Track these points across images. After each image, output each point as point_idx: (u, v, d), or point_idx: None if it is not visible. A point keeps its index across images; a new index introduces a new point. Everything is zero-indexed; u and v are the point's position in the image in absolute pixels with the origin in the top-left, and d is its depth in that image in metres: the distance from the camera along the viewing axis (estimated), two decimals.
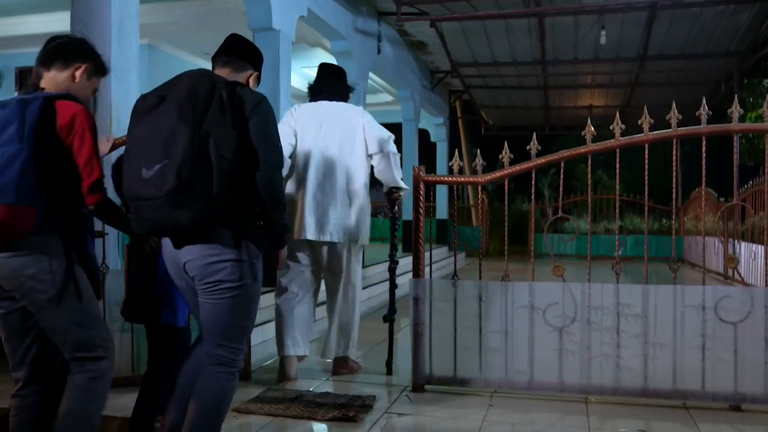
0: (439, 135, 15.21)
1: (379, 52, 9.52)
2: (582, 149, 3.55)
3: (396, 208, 4.09)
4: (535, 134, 3.60)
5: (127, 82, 4.20)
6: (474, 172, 3.69)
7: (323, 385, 3.85)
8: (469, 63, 11.66)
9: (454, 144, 16.95)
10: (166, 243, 2.30)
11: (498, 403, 3.51)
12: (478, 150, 3.72)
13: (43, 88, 2.26)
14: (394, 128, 11.08)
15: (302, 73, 10.95)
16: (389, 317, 4.12)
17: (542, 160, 3.64)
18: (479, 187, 14.96)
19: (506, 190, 3.75)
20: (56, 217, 2.15)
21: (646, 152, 3.58)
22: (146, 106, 2.21)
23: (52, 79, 2.30)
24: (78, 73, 2.33)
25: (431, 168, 14.25)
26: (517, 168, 3.66)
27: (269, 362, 4.40)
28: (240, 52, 2.56)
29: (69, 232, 2.20)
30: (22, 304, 2.21)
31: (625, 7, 8.46)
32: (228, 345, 2.29)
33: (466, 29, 9.91)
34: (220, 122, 2.15)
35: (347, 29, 8.37)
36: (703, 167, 3.50)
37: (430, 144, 15.46)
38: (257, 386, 3.77)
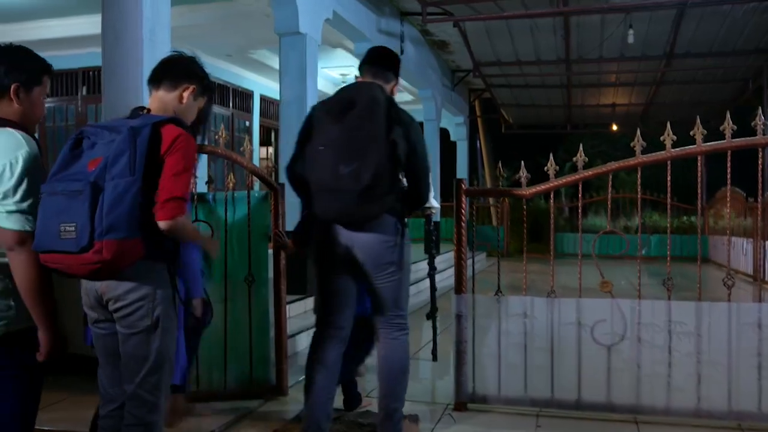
0: (459, 134, 15.06)
1: (402, 52, 9.39)
2: (632, 161, 3.42)
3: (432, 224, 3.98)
4: (581, 148, 3.47)
5: None
6: (495, 177, 3.62)
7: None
8: (491, 62, 11.51)
9: (473, 143, 16.87)
10: (339, 230, 2.73)
11: (545, 424, 3.40)
12: (523, 163, 3.60)
13: (149, 110, 2.25)
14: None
15: (323, 74, 10.87)
16: (432, 315, 4.02)
17: (590, 172, 3.52)
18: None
19: (551, 207, 3.64)
20: (162, 246, 2.12)
21: (669, 169, 3.44)
22: (335, 112, 2.70)
23: (160, 99, 2.29)
24: (186, 94, 2.30)
25: (451, 168, 14.14)
26: (563, 180, 3.55)
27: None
28: (389, 64, 2.95)
29: (173, 261, 2.19)
30: None
31: (654, 6, 8.27)
32: (402, 313, 2.88)
33: (490, 29, 9.76)
34: (398, 133, 2.68)
35: (371, 30, 8.26)
36: (728, 180, 3.35)
37: (450, 143, 15.32)
38: (295, 404, 3.68)
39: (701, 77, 12.13)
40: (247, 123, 11.95)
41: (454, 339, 3.63)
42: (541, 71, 11.94)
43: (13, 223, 2.05)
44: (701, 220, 15.10)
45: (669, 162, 3.38)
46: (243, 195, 3.81)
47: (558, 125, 17.30)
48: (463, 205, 3.58)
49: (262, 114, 12.34)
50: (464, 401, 3.62)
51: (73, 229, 1.93)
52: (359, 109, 2.66)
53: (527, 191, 3.56)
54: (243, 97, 11.73)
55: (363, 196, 2.57)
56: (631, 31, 8.92)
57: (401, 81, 11.30)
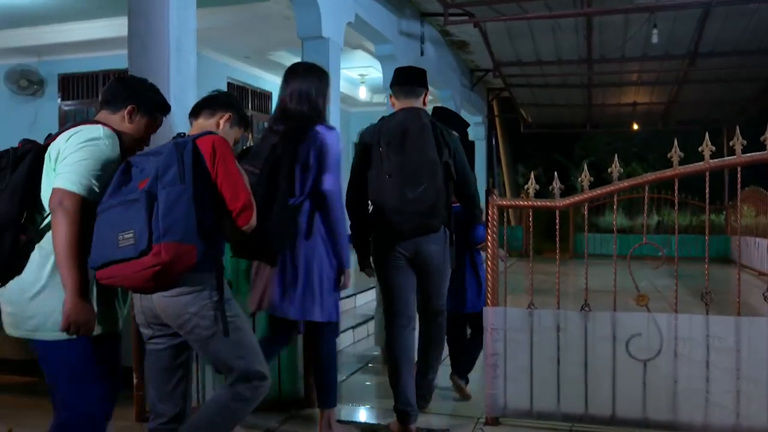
0: (477, 134, 14.94)
1: (422, 54, 9.33)
2: (668, 172, 3.34)
3: None
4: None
5: (186, 102, 4.07)
6: (516, 183, 3.59)
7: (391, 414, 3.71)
8: (511, 62, 11.40)
9: (491, 142, 16.74)
10: (406, 242, 3.32)
11: None
12: (555, 173, 3.53)
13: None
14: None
15: (342, 74, 10.81)
16: None
17: (625, 183, 3.44)
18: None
19: (586, 218, 3.56)
20: (210, 255, 2.25)
21: (676, 186, 3.36)
22: (395, 144, 3.21)
23: (199, 126, 2.59)
24: (222, 121, 2.60)
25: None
26: (597, 192, 3.48)
27: None
28: (418, 81, 3.36)
29: (221, 268, 2.34)
30: (178, 341, 2.39)
31: (679, 6, 8.14)
32: (443, 301, 3.56)
33: (511, 29, 9.66)
34: (447, 155, 3.28)
35: (392, 32, 8.20)
36: (738, 192, 3.26)
37: (468, 142, 15.19)
38: None
39: (725, 76, 11.95)
40: (266, 124, 11.91)
41: (485, 352, 3.57)
42: (562, 71, 11.82)
43: (62, 183, 2.13)
44: (723, 218, 14.89)
45: (707, 174, 3.30)
46: None
47: (577, 124, 17.15)
48: (494, 218, 3.51)
49: None
50: (496, 416, 3.56)
51: (131, 236, 2.05)
52: (414, 140, 3.18)
53: (560, 203, 3.49)
54: (262, 98, 11.72)
55: (426, 215, 3.15)
56: (655, 31, 8.78)
57: None
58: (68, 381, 2.26)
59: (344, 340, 5.59)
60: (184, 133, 2.38)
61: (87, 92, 10.10)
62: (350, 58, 10.32)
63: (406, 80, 3.42)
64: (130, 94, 2.40)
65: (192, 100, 4.18)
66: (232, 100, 2.70)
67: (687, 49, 10.36)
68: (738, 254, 3.65)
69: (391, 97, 3.44)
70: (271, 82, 11.84)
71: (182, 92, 4.06)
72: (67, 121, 10.19)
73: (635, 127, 16.66)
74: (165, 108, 2.50)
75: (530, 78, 12.54)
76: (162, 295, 2.22)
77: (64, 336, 2.17)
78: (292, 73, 3.20)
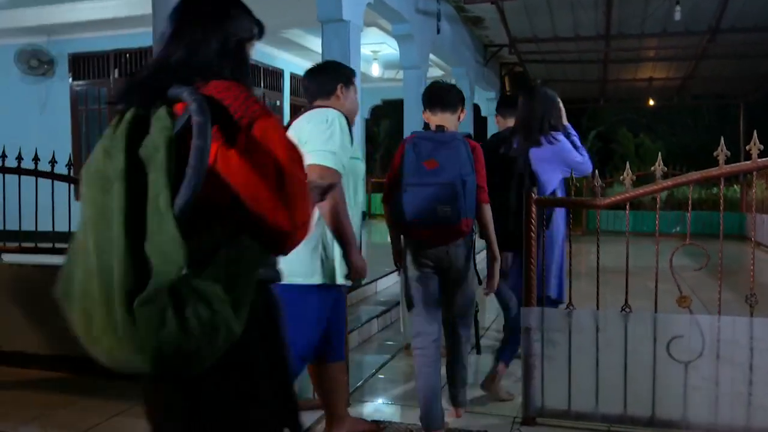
0: (490, 109, 14.77)
1: (438, 31, 9.16)
2: (715, 171, 3.26)
3: None
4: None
5: None
6: None
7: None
8: (527, 39, 11.19)
9: None
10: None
11: None
12: (596, 171, 3.45)
13: (442, 127, 3.22)
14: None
15: None
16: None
17: (669, 182, 3.36)
18: None
19: (627, 218, 3.48)
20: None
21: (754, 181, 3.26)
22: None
23: (447, 120, 3.27)
24: (462, 115, 3.33)
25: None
26: (640, 191, 3.40)
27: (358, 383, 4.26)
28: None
29: (472, 233, 3.27)
30: (443, 278, 3.28)
31: None
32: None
33: (528, 4, 9.47)
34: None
35: (410, 12, 8.03)
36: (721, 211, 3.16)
37: (481, 118, 15.06)
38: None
39: (744, 52, 11.72)
40: (278, 102, 11.80)
41: (523, 352, 3.53)
42: (579, 48, 11.62)
43: (320, 160, 2.65)
44: (739, 194, 14.72)
45: (754, 173, 3.21)
46: None
47: (591, 99, 16.93)
48: (533, 216, 3.44)
49: (292, 93, 12.18)
50: (533, 416, 3.53)
51: (449, 209, 2.99)
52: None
53: (602, 202, 3.41)
54: (274, 76, 11.58)
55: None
56: (678, 8, 8.58)
57: (433, 57, 10.89)
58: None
59: (370, 329, 5.58)
60: (443, 126, 3.20)
61: (98, 72, 9.97)
62: (364, 35, 10.06)
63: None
64: (337, 74, 3.00)
65: None
66: (462, 94, 3.36)
67: (708, 25, 10.15)
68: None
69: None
70: (284, 60, 11.69)
71: None
72: (78, 101, 10.09)
73: (651, 102, 16.41)
74: (353, 73, 3.12)
75: (545, 54, 12.33)
76: (454, 245, 3.17)
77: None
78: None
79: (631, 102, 17.92)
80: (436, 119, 3.27)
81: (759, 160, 3.20)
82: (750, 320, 3.24)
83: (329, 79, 2.99)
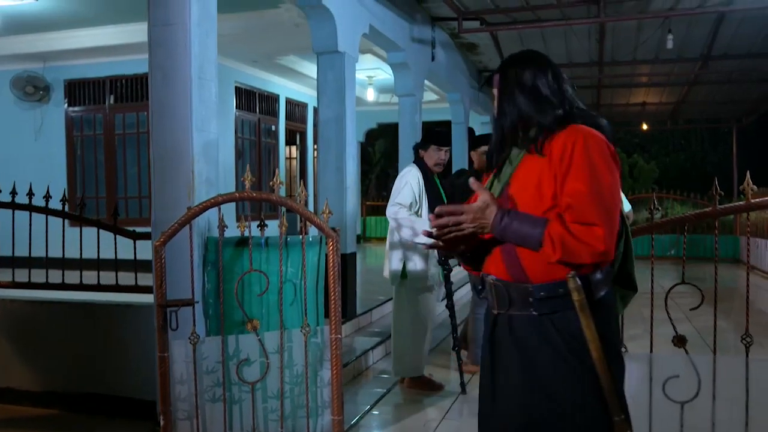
0: (484, 133, 14.87)
1: (433, 59, 9.23)
2: (742, 204, 3.26)
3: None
4: None
5: (207, 133, 4.00)
6: None
7: None
8: None
9: None
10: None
11: None
12: (716, 179, 3.44)
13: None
14: (444, 126, 10.84)
15: None
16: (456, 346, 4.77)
17: (663, 221, 3.36)
18: None
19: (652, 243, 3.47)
20: None
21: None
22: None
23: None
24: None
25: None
26: (667, 219, 3.40)
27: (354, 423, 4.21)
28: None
29: None
30: None
31: (695, 9, 8.04)
32: None
33: (523, 33, 9.55)
34: None
35: (405, 40, 8.10)
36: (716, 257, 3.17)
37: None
38: None
39: (736, 78, 11.84)
40: (273, 127, 11.84)
41: None
42: (572, 73, 11.70)
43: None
44: (733, 217, 14.76)
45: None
46: (297, 240, 3.69)
47: None
48: None
49: (287, 117, 12.22)
50: None
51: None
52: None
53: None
54: (269, 101, 11.62)
55: None
56: (670, 36, 8.67)
57: (427, 83, 11.03)
58: None
59: (366, 361, 5.54)
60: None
61: (94, 98, 9.99)
62: (359, 62, 10.20)
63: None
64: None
65: (214, 129, 4.11)
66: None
67: (700, 53, 10.26)
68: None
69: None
70: (279, 85, 11.75)
71: (205, 122, 3.97)
72: (73, 127, 10.10)
73: (644, 127, 16.50)
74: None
75: None
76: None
77: None
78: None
79: (624, 126, 18.02)
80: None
81: (752, 201, 3.21)
82: (745, 360, 3.23)
83: None
